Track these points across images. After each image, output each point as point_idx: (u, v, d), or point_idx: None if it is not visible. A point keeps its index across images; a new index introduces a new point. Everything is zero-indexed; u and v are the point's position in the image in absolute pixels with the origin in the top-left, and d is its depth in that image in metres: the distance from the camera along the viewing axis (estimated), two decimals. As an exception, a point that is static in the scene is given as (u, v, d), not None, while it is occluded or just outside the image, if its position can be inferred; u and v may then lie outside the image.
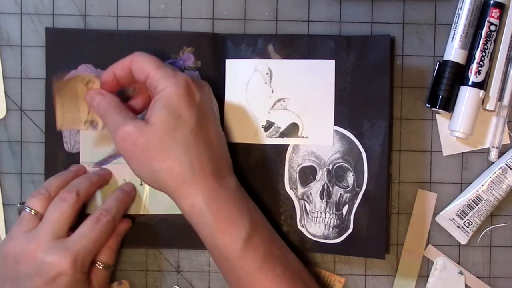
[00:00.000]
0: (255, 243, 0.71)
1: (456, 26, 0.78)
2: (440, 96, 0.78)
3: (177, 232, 0.80)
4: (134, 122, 0.71)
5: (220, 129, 0.75)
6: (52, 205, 0.74)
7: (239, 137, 0.80)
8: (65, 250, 0.72)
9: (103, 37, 0.80)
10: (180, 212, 0.79)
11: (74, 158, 0.81)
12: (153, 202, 0.81)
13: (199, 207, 0.71)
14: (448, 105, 0.79)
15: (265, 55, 0.79)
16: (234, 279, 0.73)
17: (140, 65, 0.72)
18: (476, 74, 0.78)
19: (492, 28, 0.78)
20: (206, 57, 0.80)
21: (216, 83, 0.80)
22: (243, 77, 0.80)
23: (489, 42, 0.78)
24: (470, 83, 0.78)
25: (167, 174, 0.71)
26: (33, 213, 0.74)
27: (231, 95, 0.80)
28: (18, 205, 0.77)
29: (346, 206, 0.79)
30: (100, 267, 0.77)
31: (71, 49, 0.80)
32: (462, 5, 0.78)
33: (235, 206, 0.72)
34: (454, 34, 0.79)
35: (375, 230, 0.78)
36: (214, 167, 0.72)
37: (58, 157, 0.81)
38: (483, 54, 0.78)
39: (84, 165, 0.81)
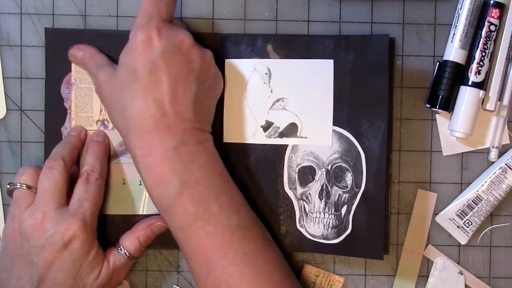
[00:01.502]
0: (186, 201, 0.71)
1: (456, 26, 0.78)
2: (440, 96, 0.78)
3: (177, 232, 0.80)
4: (104, 71, 0.75)
5: (188, 85, 0.73)
6: (43, 176, 0.75)
7: (238, 137, 0.80)
8: (72, 216, 0.73)
9: (103, 37, 0.80)
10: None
11: (74, 158, 0.81)
12: (151, 203, 0.80)
13: (136, 162, 0.73)
14: (448, 105, 0.79)
15: (264, 55, 0.79)
16: (172, 232, 0.74)
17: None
18: (476, 74, 0.78)
19: (492, 28, 0.78)
20: (206, 57, 0.80)
21: (216, 83, 0.80)
22: (242, 77, 0.80)
23: (489, 42, 0.78)
24: (470, 83, 0.78)
25: (116, 125, 0.75)
26: (25, 188, 0.75)
27: (230, 95, 0.80)
28: (8, 185, 0.77)
29: (345, 207, 0.79)
30: (121, 252, 0.78)
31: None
32: (462, 5, 0.78)
33: (169, 163, 0.71)
34: (454, 34, 0.79)
35: (374, 230, 0.78)
36: (158, 123, 0.71)
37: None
38: (483, 54, 0.78)
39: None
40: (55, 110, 0.81)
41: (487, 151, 0.82)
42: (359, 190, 0.79)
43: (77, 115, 0.80)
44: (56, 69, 0.80)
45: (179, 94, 0.72)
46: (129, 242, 0.78)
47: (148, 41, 0.71)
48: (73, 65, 0.80)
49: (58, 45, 0.80)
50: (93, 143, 0.79)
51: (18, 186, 0.75)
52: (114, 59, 0.77)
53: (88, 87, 0.80)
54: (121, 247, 0.78)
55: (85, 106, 0.80)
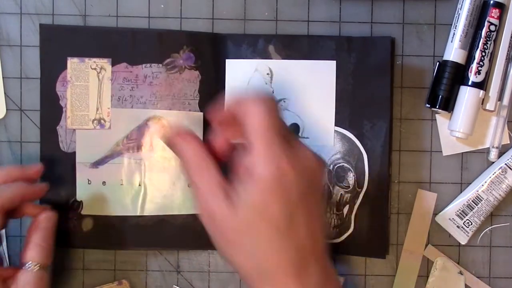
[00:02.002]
0: None
1: (456, 26, 0.78)
2: (440, 96, 0.78)
3: (176, 232, 0.80)
4: (218, 199, 0.62)
5: (318, 212, 0.64)
6: None
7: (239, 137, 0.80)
8: None
9: (101, 34, 0.80)
10: (177, 213, 0.79)
11: (70, 157, 0.80)
12: (150, 204, 0.80)
13: None
14: (448, 105, 0.79)
15: (265, 55, 0.79)
16: None
17: (247, 120, 0.62)
18: (476, 74, 0.78)
19: (492, 28, 0.78)
20: (206, 57, 0.80)
21: (216, 83, 0.80)
22: (244, 78, 0.80)
23: (489, 42, 0.78)
24: (470, 83, 0.78)
25: (240, 269, 0.63)
26: None
27: (231, 95, 0.80)
28: None
29: (347, 206, 0.79)
30: (30, 268, 0.71)
31: (67, 46, 0.80)
32: (462, 5, 0.78)
33: None
34: (454, 34, 0.79)
35: (376, 229, 0.78)
36: (296, 265, 0.61)
37: (54, 157, 0.80)
38: (483, 54, 0.78)
39: (81, 165, 0.80)
40: (51, 109, 0.80)
41: (487, 151, 0.82)
42: (361, 190, 0.79)
43: (72, 114, 0.80)
44: (52, 66, 0.80)
45: (317, 231, 0.63)
46: (32, 252, 0.72)
47: (285, 180, 0.60)
48: (68, 62, 0.80)
49: (54, 42, 0.80)
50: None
51: None
52: (112, 57, 0.79)
53: (84, 84, 0.80)
54: (27, 263, 0.72)
55: (81, 105, 0.80)
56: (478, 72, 0.78)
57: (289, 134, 0.63)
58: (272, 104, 0.62)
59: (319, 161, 0.64)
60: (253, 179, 0.60)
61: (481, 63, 0.78)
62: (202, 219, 0.63)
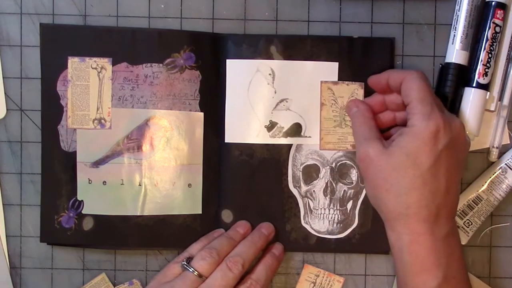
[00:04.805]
0: None
1: (455, 27, 0.78)
2: (446, 98, 0.77)
3: (176, 232, 0.80)
4: (374, 145, 0.73)
5: (458, 176, 0.74)
6: (219, 273, 0.74)
7: (242, 137, 0.80)
8: None
9: (102, 34, 0.80)
10: (177, 213, 0.79)
11: (71, 157, 0.80)
12: (150, 203, 0.80)
13: (400, 244, 0.72)
14: (454, 107, 0.78)
15: (267, 56, 0.79)
16: None
17: (409, 88, 0.73)
18: (483, 76, 0.77)
19: (497, 29, 0.77)
20: (207, 56, 0.80)
21: (217, 83, 0.80)
22: (245, 78, 0.80)
23: (495, 44, 0.77)
24: (475, 85, 0.78)
25: (384, 205, 0.73)
26: (196, 274, 0.74)
27: (232, 95, 0.80)
28: (184, 263, 0.75)
29: (350, 202, 0.80)
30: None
31: (68, 45, 0.80)
32: (460, 6, 0.78)
33: (435, 255, 0.71)
34: (454, 35, 0.78)
35: (380, 225, 0.78)
36: (430, 214, 0.71)
37: (55, 156, 0.80)
38: (489, 55, 0.77)
39: (81, 164, 0.80)
40: (52, 108, 0.80)
41: (487, 151, 0.82)
42: (364, 185, 0.79)
43: (73, 114, 0.80)
44: (52, 66, 0.80)
45: (452, 187, 0.72)
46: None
47: (437, 134, 0.70)
48: (69, 62, 0.79)
49: (55, 41, 0.80)
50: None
51: (191, 271, 0.74)
52: (112, 57, 0.79)
53: (85, 84, 0.80)
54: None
55: (81, 104, 0.80)
56: (485, 74, 0.77)
57: (440, 102, 0.74)
58: (427, 79, 0.74)
59: (462, 125, 0.73)
60: (411, 130, 0.71)
61: (488, 64, 0.77)
62: (359, 165, 0.74)
